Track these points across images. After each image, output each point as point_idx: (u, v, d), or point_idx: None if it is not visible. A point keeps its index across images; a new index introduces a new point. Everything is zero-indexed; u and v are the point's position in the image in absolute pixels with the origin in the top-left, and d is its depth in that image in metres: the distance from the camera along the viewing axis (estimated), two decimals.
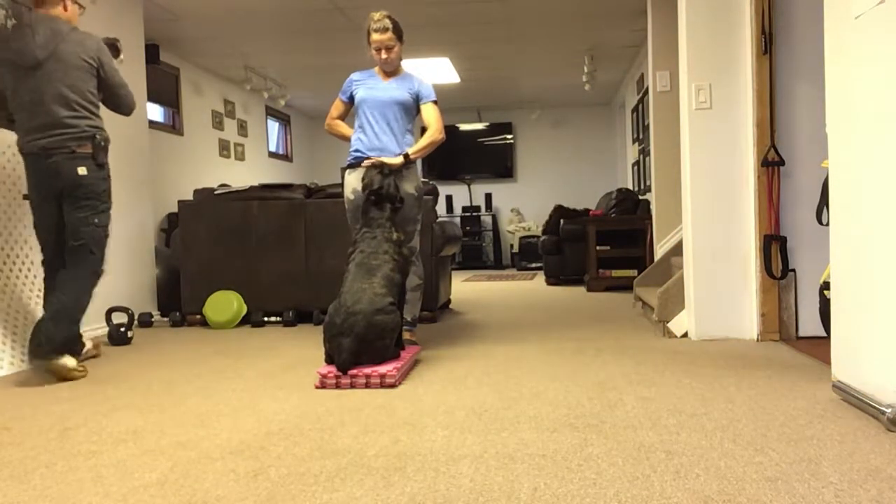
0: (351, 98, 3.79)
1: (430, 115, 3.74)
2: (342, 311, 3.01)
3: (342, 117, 3.88)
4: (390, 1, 4.94)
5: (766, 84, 3.59)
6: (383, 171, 3.47)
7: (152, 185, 5.70)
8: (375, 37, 3.63)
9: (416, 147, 3.70)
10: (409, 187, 3.68)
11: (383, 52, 3.66)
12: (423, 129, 3.77)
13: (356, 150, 3.74)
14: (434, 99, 3.79)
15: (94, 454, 2.09)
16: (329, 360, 3.02)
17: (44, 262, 3.60)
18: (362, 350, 2.94)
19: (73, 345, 3.38)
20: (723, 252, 3.73)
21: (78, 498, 1.74)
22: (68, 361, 3.23)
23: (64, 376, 3.20)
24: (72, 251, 3.45)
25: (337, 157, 10.83)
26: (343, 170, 3.83)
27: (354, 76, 3.81)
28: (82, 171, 3.42)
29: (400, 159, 3.61)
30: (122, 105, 3.64)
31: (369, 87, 3.73)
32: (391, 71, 3.76)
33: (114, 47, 3.68)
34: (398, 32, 3.67)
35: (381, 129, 3.69)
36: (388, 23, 3.62)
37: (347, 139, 3.84)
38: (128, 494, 1.76)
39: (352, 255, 3.30)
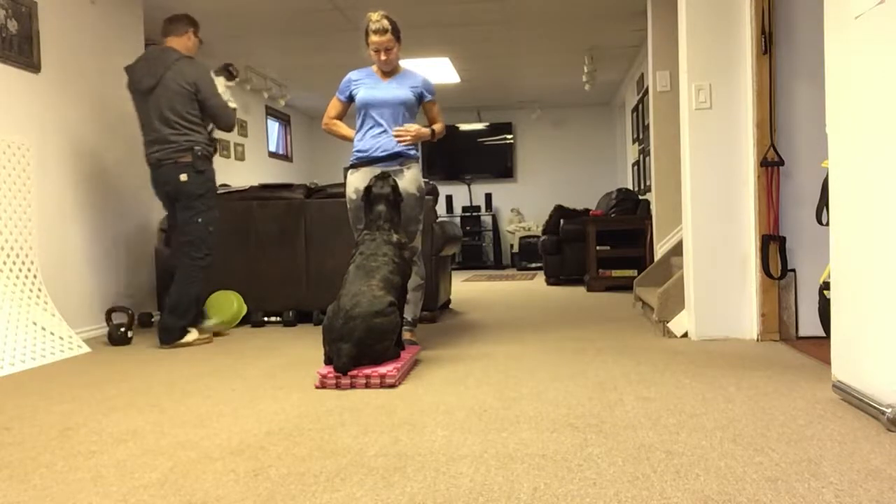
0: (350, 98, 3.79)
1: (437, 113, 3.87)
2: (341, 314, 3.00)
3: (340, 117, 3.87)
4: (390, 1, 4.94)
5: (766, 84, 3.59)
6: (385, 176, 3.48)
7: None
8: (374, 38, 3.62)
9: (437, 128, 3.84)
10: (410, 187, 3.68)
11: (382, 53, 3.65)
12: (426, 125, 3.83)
13: (359, 151, 3.74)
14: (435, 98, 3.84)
15: (94, 454, 2.09)
16: (328, 360, 3.02)
17: (170, 256, 4.41)
18: (362, 354, 2.94)
19: (196, 322, 4.17)
20: (723, 252, 3.73)
21: (78, 498, 1.74)
22: (190, 336, 4.06)
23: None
24: (181, 246, 4.13)
25: (337, 157, 10.83)
26: (346, 170, 3.83)
27: (353, 75, 3.80)
28: (184, 177, 4.06)
29: (428, 130, 3.76)
30: (219, 123, 4.24)
31: (370, 87, 3.73)
32: (390, 70, 3.76)
33: (227, 70, 4.40)
34: (396, 33, 3.67)
35: (384, 128, 3.69)
36: (386, 24, 3.61)
37: (347, 139, 3.84)
38: (128, 494, 1.76)
39: (352, 258, 3.30)
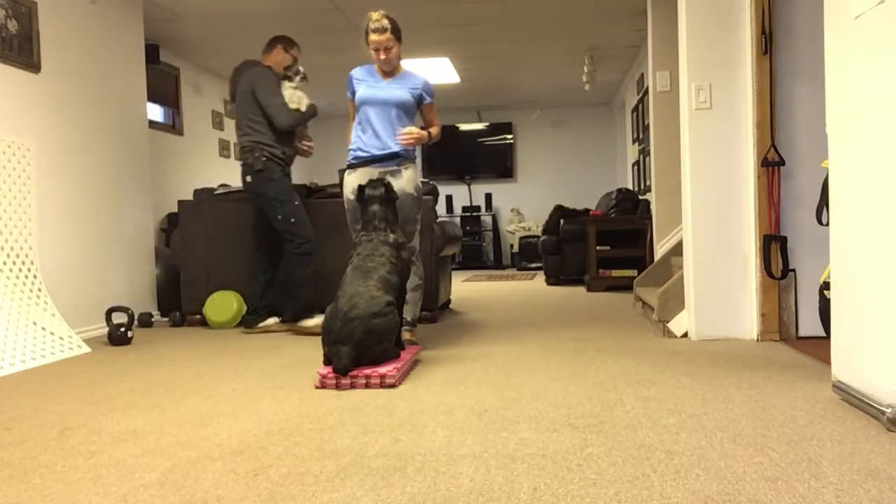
0: (354, 94, 3.79)
1: (434, 116, 3.86)
2: (339, 316, 3.00)
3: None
4: (390, 1, 4.93)
5: (766, 84, 3.59)
6: (377, 181, 3.46)
7: (152, 185, 5.70)
8: (374, 37, 3.62)
9: (433, 132, 3.82)
10: (408, 187, 3.67)
11: (382, 52, 3.65)
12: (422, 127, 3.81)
13: (357, 150, 3.74)
14: (433, 101, 3.84)
15: (94, 454, 2.09)
16: (328, 361, 3.02)
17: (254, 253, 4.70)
18: (362, 355, 2.94)
19: (295, 311, 4.45)
20: (723, 252, 3.73)
21: (78, 498, 1.74)
22: (311, 322, 4.36)
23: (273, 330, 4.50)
24: (282, 240, 4.44)
25: (337, 157, 10.81)
26: (341, 171, 3.83)
27: (355, 73, 3.80)
28: (248, 178, 4.40)
29: (426, 134, 3.74)
30: (274, 123, 4.39)
31: (370, 85, 3.73)
32: (390, 70, 3.76)
33: (293, 70, 4.54)
34: (396, 32, 3.66)
35: (382, 128, 3.68)
36: (386, 23, 3.61)
37: None
38: (128, 494, 1.76)
39: (350, 259, 3.30)
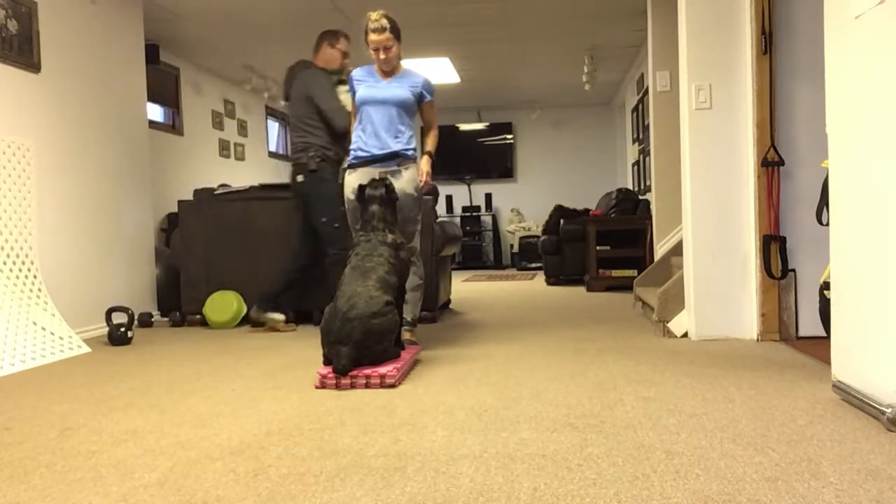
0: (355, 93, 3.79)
1: (433, 115, 3.86)
2: (338, 316, 3.00)
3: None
4: (390, 1, 4.93)
5: (766, 84, 3.59)
6: (379, 181, 3.47)
7: (152, 185, 5.71)
8: (373, 37, 3.63)
9: (432, 145, 3.84)
10: (408, 187, 3.68)
11: (381, 52, 3.65)
12: (422, 126, 3.82)
13: (357, 149, 3.74)
14: (433, 99, 3.84)
15: (94, 454, 2.09)
16: (328, 361, 3.02)
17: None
18: (362, 355, 2.94)
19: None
20: (723, 252, 3.73)
21: (78, 498, 1.74)
22: (274, 316, 4.51)
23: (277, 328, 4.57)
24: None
25: None
26: (343, 171, 3.83)
27: (355, 74, 3.81)
28: (300, 178, 4.40)
29: (428, 168, 3.76)
30: (331, 126, 4.38)
31: (370, 85, 3.73)
32: (390, 70, 3.76)
33: (347, 72, 4.26)
34: (396, 32, 3.67)
35: (383, 127, 3.68)
36: (385, 22, 3.61)
37: None
38: (128, 494, 1.76)
39: (348, 259, 3.30)
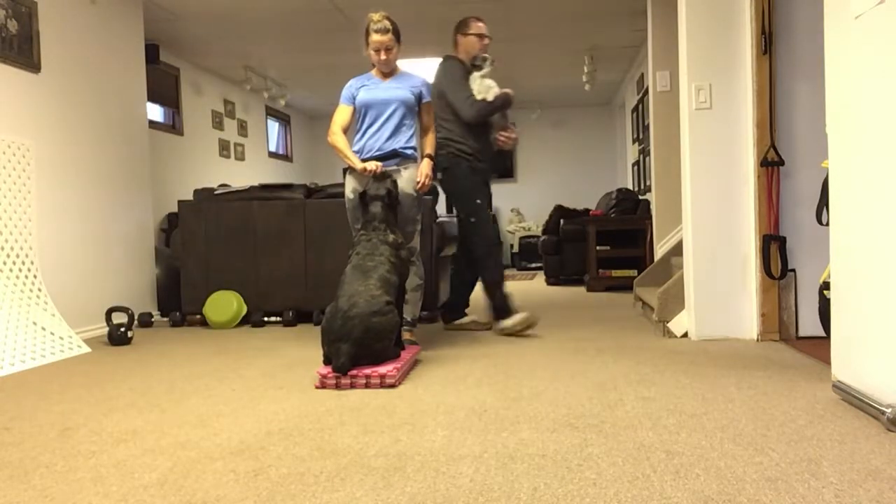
0: (354, 101, 3.75)
1: (431, 117, 3.89)
2: (339, 315, 3.00)
3: (347, 124, 3.78)
4: (391, 1, 4.93)
5: (766, 84, 3.59)
6: (380, 176, 3.49)
7: (152, 185, 5.71)
8: (375, 38, 3.63)
9: (431, 148, 3.85)
10: (408, 187, 3.68)
11: (382, 52, 3.66)
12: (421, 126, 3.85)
13: (358, 152, 3.74)
14: (430, 98, 3.87)
15: (94, 454, 2.09)
16: (328, 361, 3.02)
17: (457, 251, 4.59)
18: (361, 354, 2.94)
19: (492, 311, 4.28)
20: (723, 252, 3.73)
21: (78, 498, 1.74)
22: (508, 322, 4.18)
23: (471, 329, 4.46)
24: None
25: (337, 157, 10.81)
26: (345, 170, 3.83)
27: (352, 82, 3.78)
28: (439, 175, 4.19)
29: (429, 171, 3.76)
30: (459, 117, 4.18)
31: (370, 88, 3.73)
32: (389, 71, 3.76)
33: (479, 58, 4.30)
34: (397, 34, 3.68)
35: (385, 128, 3.69)
36: (387, 24, 3.63)
37: (347, 159, 3.73)
38: (128, 494, 1.76)
39: (349, 258, 3.30)
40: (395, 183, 3.52)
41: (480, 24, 4.36)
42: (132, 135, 5.28)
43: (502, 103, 4.29)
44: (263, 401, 2.68)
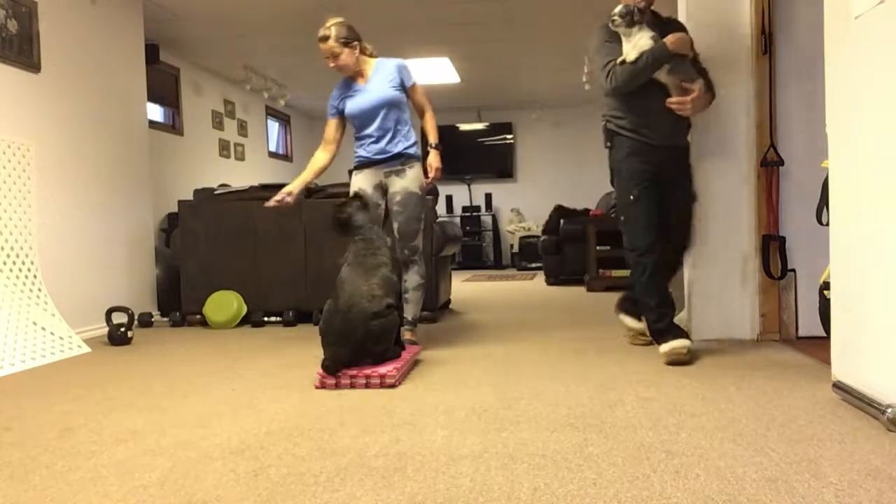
0: (341, 112, 3.73)
1: (422, 97, 3.75)
2: (338, 316, 2.99)
3: (337, 137, 3.78)
4: (390, 1, 4.94)
5: (766, 84, 3.59)
6: (357, 205, 3.34)
7: (152, 185, 5.70)
8: (319, 45, 3.59)
9: (434, 135, 3.75)
10: (412, 186, 3.68)
11: (330, 60, 3.60)
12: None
13: (360, 157, 3.74)
14: (415, 79, 3.74)
15: (94, 454, 2.09)
16: None
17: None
18: (361, 355, 2.94)
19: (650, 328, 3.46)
20: (723, 252, 3.72)
21: (78, 498, 1.74)
22: (628, 321, 3.66)
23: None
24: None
25: (337, 157, 10.82)
26: (350, 172, 3.83)
27: (335, 93, 3.75)
28: (608, 144, 3.58)
29: (437, 163, 3.71)
30: (608, 86, 3.40)
31: (353, 98, 3.68)
32: (359, 71, 3.69)
33: (621, 11, 3.31)
34: (343, 37, 3.56)
35: (380, 133, 3.66)
36: (327, 32, 3.55)
37: (319, 173, 3.76)
38: (128, 494, 1.76)
39: (344, 258, 3.25)
40: (354, 203, 3.37)
41: None
42: (132, 135, 5.28)
43: (652, 60, 3.20)
44: (263, 401, 2.68)
